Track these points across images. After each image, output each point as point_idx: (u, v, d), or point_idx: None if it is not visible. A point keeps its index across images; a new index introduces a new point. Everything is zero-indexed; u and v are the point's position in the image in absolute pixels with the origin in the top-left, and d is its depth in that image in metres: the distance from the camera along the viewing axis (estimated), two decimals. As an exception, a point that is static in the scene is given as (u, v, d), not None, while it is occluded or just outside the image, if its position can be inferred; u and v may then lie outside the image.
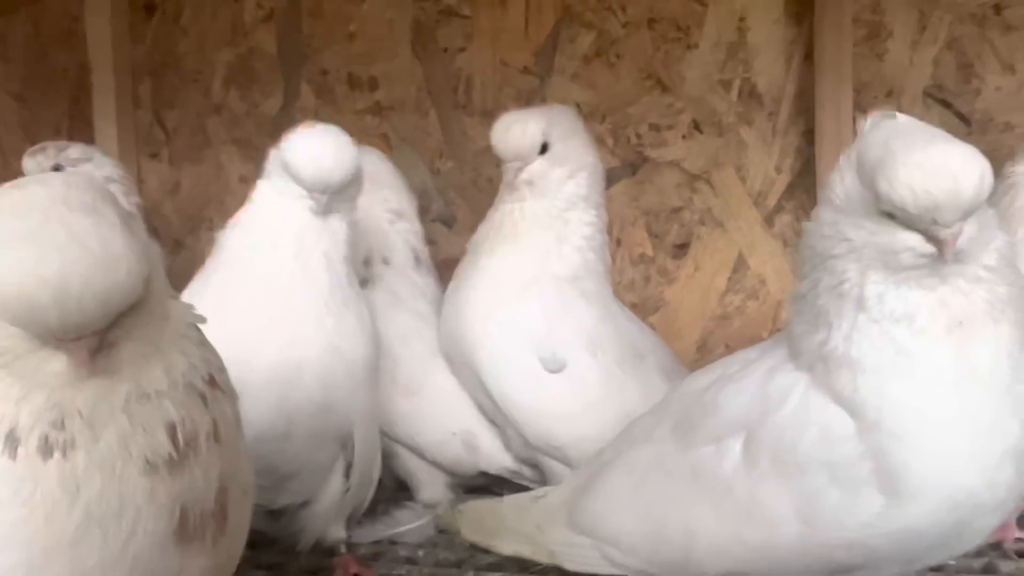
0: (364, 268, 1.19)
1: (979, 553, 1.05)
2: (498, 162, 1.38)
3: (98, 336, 0.50)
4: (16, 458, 0.51)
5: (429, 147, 1.44)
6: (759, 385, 0.78)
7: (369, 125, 1.46)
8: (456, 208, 1.45)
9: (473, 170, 1.44)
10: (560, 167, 1.11)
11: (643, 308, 1.35)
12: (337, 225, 0.97)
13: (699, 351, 1.36)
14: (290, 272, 0.93)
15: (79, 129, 1.54)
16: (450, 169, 1.44)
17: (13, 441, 0.51)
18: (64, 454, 0.51)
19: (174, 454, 0.54)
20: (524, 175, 1.11)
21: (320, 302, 0.94)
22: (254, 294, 0.92)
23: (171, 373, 0.55)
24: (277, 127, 1.52)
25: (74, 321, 0.49)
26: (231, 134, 1.54)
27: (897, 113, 0.72)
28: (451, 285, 1.18)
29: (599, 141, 1.36)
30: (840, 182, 0.72)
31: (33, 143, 1.56)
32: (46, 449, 0.51)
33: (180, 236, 1.59)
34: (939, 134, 0.69)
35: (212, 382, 0.58)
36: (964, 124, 1.23)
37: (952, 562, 1.02)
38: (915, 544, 0.73)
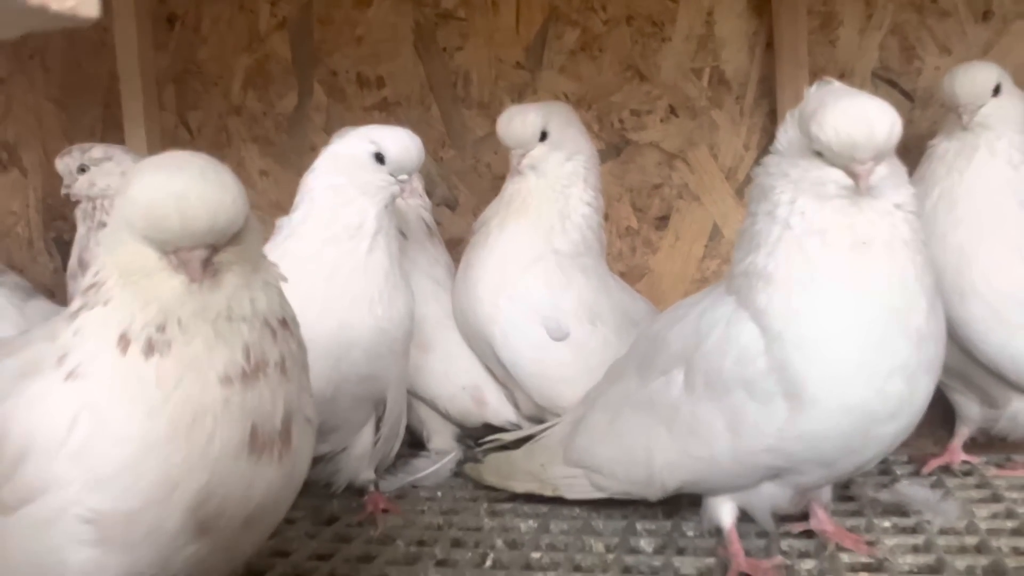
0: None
1: (931, 473, 1.21)
2: (496, 149, 1.54)
3: (208, 250, 0.64)
4: (126, 355, 0.64)
5: (432, 137, 1.58)
6: (695, 321, 0.92)
7: (377, 119, 1.60)
8: (458, 192, 1.59)
9: (473, 157, 1.58)
10: (558, 151, 1.26)
11: (630, 276, 1.49)
12: (393, 215, 1.10)
13: (682, 313, 1.51)
14: (353, 265, 1.05)
15: (111, 131, 1.68)
16: (452, 157, 1.59)
17: (125, 341, 0.65)
18: (162, 354, 0.64)
19: (247, 369, 0.66)
20: (527, 160, 1.25)
21: (376, 292, 1.07)
22: (316, 282, 1.03)
23: (254, 305, 0.68)
24: (293, 125, 1.67)
25: (191, 228, 0.63)
26: (251, 132, 1.69)
27: (833, 80, 0.87)
28: (463, 262, 1.32)
29: (586, 127, 1.51)
30: (784, 133, 0.88)
31: (72, 144, 1.71)
32: (149, 349, 0.64)
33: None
34: (862, 93, 0.84)
35: (284, 324, 0.71)
36: (908, 101, 1.38)
37: (905, 480, 1.17)
38: (824, 446, 0.85)
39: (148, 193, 0.63)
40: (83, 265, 1.38)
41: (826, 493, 1.00)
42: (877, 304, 0.81)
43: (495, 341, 1.26)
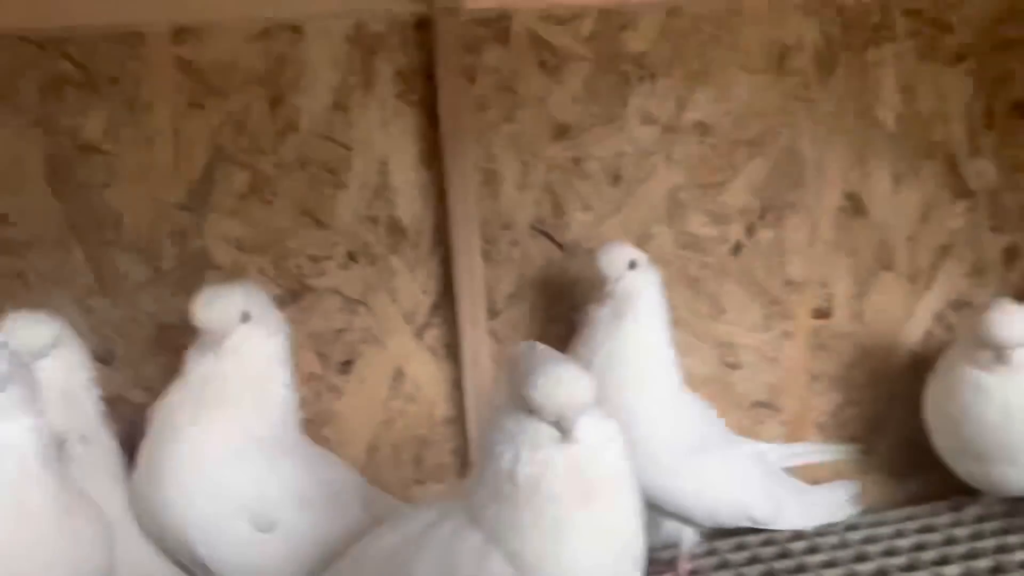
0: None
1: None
2: (157, 298, 1.41)
3: None
4: None
5: (77, 285, 1.39)
6: (444, 551, 0.95)
7: (2, 264, 1.36)
8: (114, 344, 1.42)
9: (131, 306, 1.42)
10: (260, 331, 1.20)
11: (316, 422, 1.46)
12: (38, 428, 0.92)
13: (368, 453, 1.52)
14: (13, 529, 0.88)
15: None
16: (105, 306, 1.41)
17: None
18: None
19: None
20: (228, 343, 1.17)
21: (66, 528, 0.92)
22: None
23: None
24: None
25: None
26: None
27: (536, 343, 0.99)
28: (144, 458, 1.19)
29: (261, 272, 1.45)
30: (500, 391, 0.96)
31: None
32: None
33: None
34: (563, 358, 0.96)
35: None
36: (559, 249, 1.56)
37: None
38: None
39: None
40: None
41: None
42: (611, 544, 0.93)
43: (194, 542, 1.15)
